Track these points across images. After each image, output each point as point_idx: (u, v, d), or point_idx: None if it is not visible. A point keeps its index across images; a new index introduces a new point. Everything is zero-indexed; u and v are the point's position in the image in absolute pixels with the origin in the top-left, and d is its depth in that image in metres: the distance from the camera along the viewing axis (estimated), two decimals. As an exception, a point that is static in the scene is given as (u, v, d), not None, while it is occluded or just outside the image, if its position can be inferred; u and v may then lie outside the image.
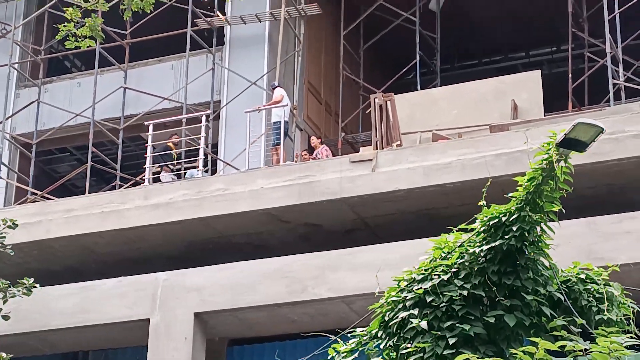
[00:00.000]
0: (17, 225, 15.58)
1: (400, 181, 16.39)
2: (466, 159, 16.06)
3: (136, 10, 12.45)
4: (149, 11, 12.60)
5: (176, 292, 16.67)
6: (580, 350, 7.16)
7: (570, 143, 8.05)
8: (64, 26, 12.72)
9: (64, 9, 13.15)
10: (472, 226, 8.43)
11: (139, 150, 25.34)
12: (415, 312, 8.09)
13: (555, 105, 22.30)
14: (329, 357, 8.81)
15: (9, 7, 24.97)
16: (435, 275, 8.23)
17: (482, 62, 31.10)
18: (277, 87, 20.91)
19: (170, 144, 21.23)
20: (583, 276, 8.56)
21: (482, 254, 8.20)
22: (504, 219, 8.16)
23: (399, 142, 18.02)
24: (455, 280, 8.13)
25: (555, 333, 7.83)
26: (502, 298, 8.07)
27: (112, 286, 17.24)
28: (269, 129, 20.83)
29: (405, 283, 8.38)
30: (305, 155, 20.60)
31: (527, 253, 8.22)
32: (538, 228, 8.26)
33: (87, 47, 12.89)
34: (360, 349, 8.63)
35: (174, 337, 16.43)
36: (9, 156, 24.16)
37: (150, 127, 20.38)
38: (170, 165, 21.20)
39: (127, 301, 16.95)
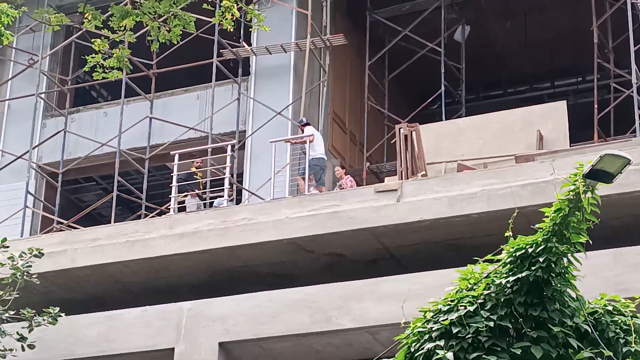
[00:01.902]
0: (42, 254, 15.64)
1: (425, 211, 16.36)
2: (491, 189, 16.02)
3: (163, 41, 12.51)
4: (176, 42, 12.67)
5: (201, 322, 16.66)
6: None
7: (597, 174, 8.04)
8: (92, 57, 12.80)
9: (92, 40, 13.24)
10: (499, 257, 8.41)
11: (164, 180, 25.45)
12: (442, 343, 8.06)
13: (581, 136, 22.25)
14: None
15: (37, 37, 25.19)
16: (461, 306, 8.21)
17: (507, 92, 31.11)
18: (306, 123, 20.79)
19: (193, 169, 21.31)
20: (610, 308, 8.52)
21: (508, 285, 8.18)
22: (530, 250, 8.15)
23: (424, 172, 18.01)
24: (482, 312, 8.11)
25: (582, 365, 7.80)
26: (528, 329, 8.05)
27: (137, 315, 17.25)
28: (294, 159, 20.88)
29: (431, 314, 8.37)
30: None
31: (553, 284, 8.20)
32: (565, 259, 8.24)
33: (115, 78, 12.97)
34: (386, 379, 8.60)
35: (199, 366, 16.41)
36: (35, 185, 24.29)
37: (176, 157, 20.47)
38: (195, 189, 21.25)
39: (152, 330, 16.95)
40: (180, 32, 12.49)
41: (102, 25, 12.68)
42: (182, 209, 20.78)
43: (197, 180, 21.24)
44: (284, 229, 17.15)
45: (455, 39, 26.74)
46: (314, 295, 16.15)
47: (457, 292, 8.43)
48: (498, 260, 8.41)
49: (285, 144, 20.95)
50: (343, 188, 20.03)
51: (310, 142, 20.09)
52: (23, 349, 15.34)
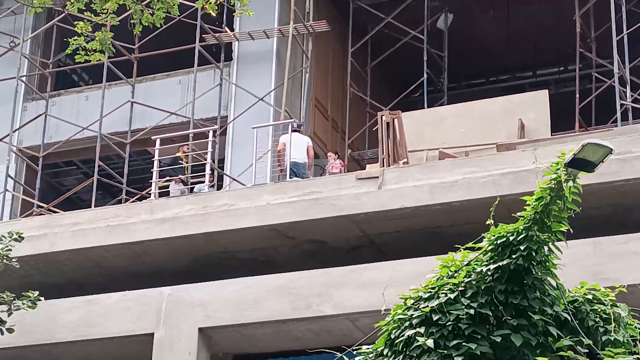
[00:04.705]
0: (22, 238, 15.55)
1: (406, 199, 16.37)
2: (472, 177, 16.04)
3: (146, 24, 12.46)
4: (159, 25, 12.62)
5: (181, 307, 16.64)
6: (587, 371, 7.15)
7: (579, 163, 8.06)
8: (74, 40, 12.74)
9: (75, 22, 13.18)
10: (480, 245, 8.42)
11: (145, 165, 25.38)
12: (422, 330, 8.08)
13: (562, 125, 22.29)
14: (334, 374, 8.80)
15: (18, 20, 25.03)
16: (442, 293, 8.23)
17: (489, 81, 31.11)
18: (295, 129, 20.24)
19: (180, 154, 21.24)
20: (590, 296, 8.55)
21: (489, 273, 8.19)
22: (511, 238, 8.16)
23: (405, 160, 18.01)
24: (462, 299, 8.13)
25: (561, 353, 7.83)
26: (508, 317, 8.07)
27: (117, 300, 17.22)
28: (276, 145, 20.87)
29: (412, 301, 8.38)
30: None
31: (534, 273, 8.21)
32: (545, 248, 8.26)
33: (97, 61, 12.91)
34: (365, 366, 8.61)
35: (178, 352, 16.39)
36: (15, 169, 24.17)
37: (157, 142, 20.41)
38: (180, 177, 21.18)
39: (132, 315, 16.92)
40: (164, 16, 12.45)
41: (84, 8, 12.61)
42: (163, 194, 20.71)
43: (182, 166, 21.16)
44: (265, 215, 17.15)
45: (438, 27, 26.74)
46: (294, 281, 16.16)
47: (437, 279, 8.44)
48: (479, 248, 8.42)
49: (267, 129, 20.93)
50: (333, 172, 20.02)
51: (281, 150, 19.67)
52: (2, 333, 15.29)
